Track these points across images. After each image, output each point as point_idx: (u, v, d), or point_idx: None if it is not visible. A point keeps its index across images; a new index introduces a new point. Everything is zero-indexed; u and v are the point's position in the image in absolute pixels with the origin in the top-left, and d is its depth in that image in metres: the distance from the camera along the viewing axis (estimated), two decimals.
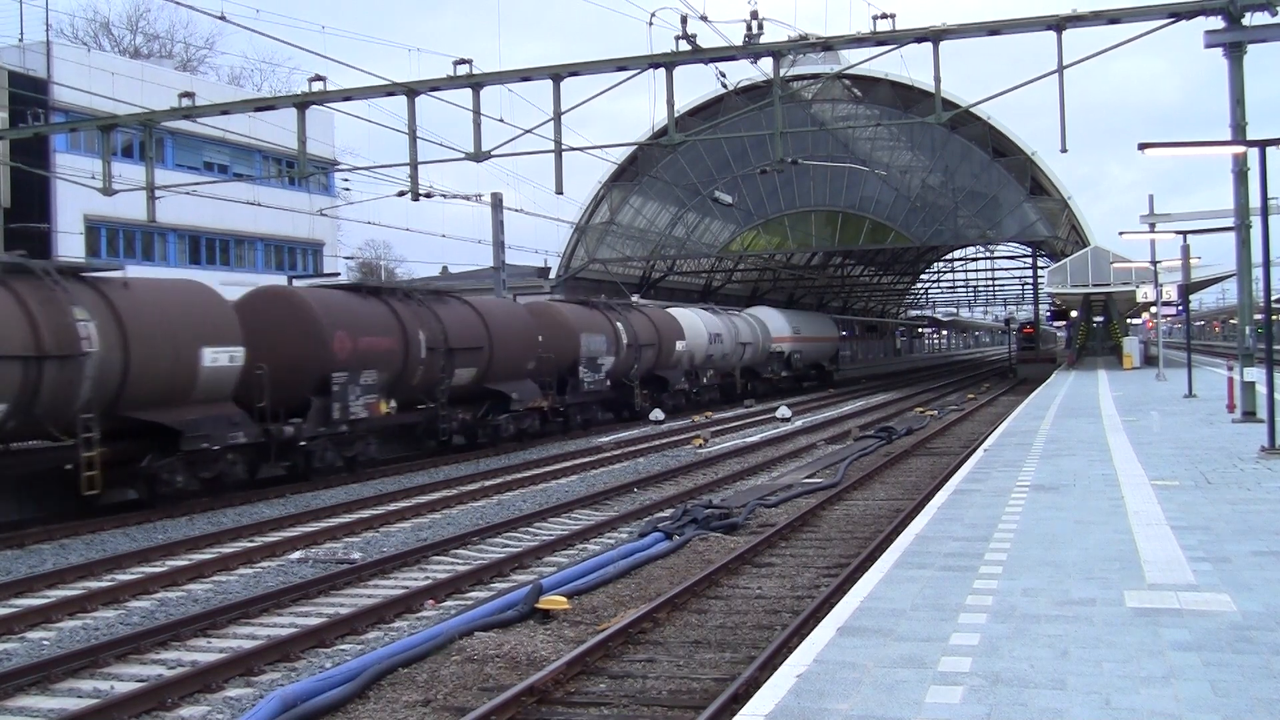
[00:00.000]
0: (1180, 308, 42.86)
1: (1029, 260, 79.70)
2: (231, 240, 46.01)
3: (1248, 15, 19.27)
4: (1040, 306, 77.43)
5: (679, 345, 38.20)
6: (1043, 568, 8.86)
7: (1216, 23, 19.55)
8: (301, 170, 26.90)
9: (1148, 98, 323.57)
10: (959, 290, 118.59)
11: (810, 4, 33.83)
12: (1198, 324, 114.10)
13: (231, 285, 27.61)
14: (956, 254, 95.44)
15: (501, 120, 23.61)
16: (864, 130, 54.28)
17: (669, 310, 40.79)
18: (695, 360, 40.00)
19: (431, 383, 24.68)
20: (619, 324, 34.02)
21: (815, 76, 46.72)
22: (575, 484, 21.26)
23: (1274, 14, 19.26)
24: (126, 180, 26.77)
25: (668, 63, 21.91)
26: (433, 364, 24.46)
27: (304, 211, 46.56)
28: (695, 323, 40.87)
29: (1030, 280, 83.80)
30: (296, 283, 29.95)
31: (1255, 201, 17.33)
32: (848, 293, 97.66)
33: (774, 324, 50.96)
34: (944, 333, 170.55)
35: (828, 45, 22.38)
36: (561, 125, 22.88)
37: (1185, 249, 29.28)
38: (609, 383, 32.95)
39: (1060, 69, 20.69)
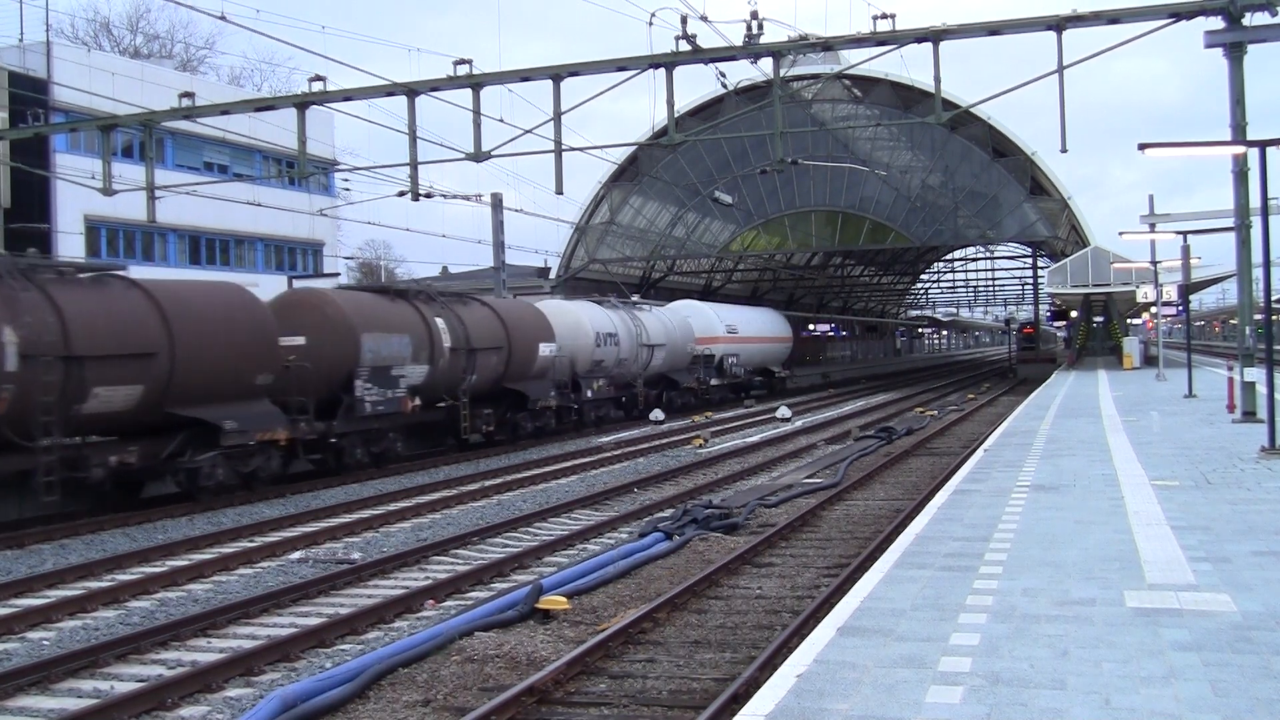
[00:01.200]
0: (1180, 308, 42.87)
1: (1029, 260, 79.74)
2: (231, 240, 46.00)
3: (1248, 15, 19.26)
4: (1040, 306, 77.46)
5: (544, 349, 29.32)
6: (1043, 568, 8.86)
7: (1216, 23, 19.55)
8: (301, 170, 26.91)
9: (1150, 98, 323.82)
10: (959, 290, 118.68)
11: (810, 4, 33.83)
12: (1198, 324, 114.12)
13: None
14: (956, 254, 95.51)
15: (501, 120, 23.62)
16: (864, 130, 54.28)
17: (537, 303, 33.69)
18: (578, 367, 32.04)
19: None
20: (437, 321, 25.09)
21: (815, 76, 46.76)
22: (575, 484, 21.26)
23: (1274, 14, 19.26)
24: (126, 180, 26.77)
25: (668, 63, 21.91)
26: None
27: (304, 211, 46.56)
28: (574, 320, 32.76)
29: (1030, 280, 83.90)
30: (297, 283, 30.03)
31: (1255, 201, 17.33)
32: (848, 293, 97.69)
33: (700, 320, 43.58)
34: (944, 333, 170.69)
35: (828, 45, 22.37)
36: (561, 125, 22.88)
37: (1185, 249, 29.28)
38: (417, 401, 24.26)
39: (1060, 69, 20.68)
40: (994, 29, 21.22)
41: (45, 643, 10.71)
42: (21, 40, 39.00)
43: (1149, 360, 49.56)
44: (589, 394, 32.46)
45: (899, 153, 57.15)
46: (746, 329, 47.40)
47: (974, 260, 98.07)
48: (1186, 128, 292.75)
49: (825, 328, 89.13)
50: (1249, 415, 20.24)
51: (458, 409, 25.84)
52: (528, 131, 23.13)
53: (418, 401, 24.27)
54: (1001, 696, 5.83)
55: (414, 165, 23.70)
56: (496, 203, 39.28)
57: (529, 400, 28.67)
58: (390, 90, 23.31)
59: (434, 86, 22.92)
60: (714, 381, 42.72)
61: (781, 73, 22.77)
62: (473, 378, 26.22)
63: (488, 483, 21.24)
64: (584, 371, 32.34)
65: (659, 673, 8.97)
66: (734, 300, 74.70)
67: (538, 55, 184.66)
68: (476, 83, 22.65)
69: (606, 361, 33.59)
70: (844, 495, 18.39)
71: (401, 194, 24.73)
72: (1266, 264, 18.06)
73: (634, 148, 48.85)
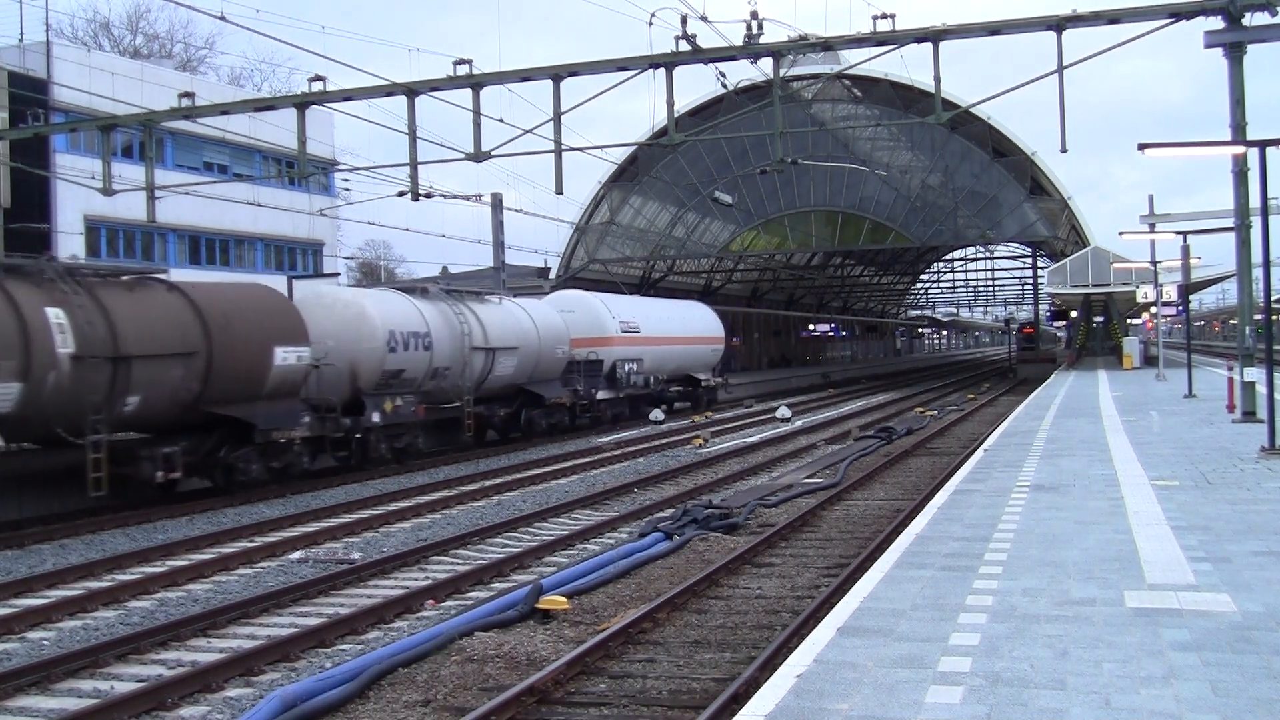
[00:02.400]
0: (1180, 308, 42.87)
1: (1029, 260, 79.79)
2: (231, 240, 45.99)
3: (1248, 15, 19.25)
4: (1040, 306, 77.48)
5: (283, 355, 20.49)
6: (1043, 568, 8.86)
7: (1216, 23, 19.54)
8: (301, 170, 26.89)
9: (1154, 98, 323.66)
10: (959, 290, 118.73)
11: (810, 4, 33.82)
12: (1198, 324, 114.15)
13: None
14: (956, 254, 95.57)
15: (501, 120, 23.61)
16: (864, 130, 54.29)
17: (309, 289, 26.65)
18: (362, 380, 23.13)
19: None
20: (50, 315, 16.69)
21: (815, 76, 46.77)
22: (575, 484, 21.26)
23: (1274, 14, 19.25)
24: (126, 180, 26.77)
25: (668, 63, 21.90)
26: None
27: (304, 211, 46.55)
28: (354, 313, 23.41)
29: (1030, 280, 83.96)
30: (297, 284, 30.03)
31: (1255, 201, 17.32)
32: (848, 293, 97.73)
33: (582, 316, 34.21)
34: (944, 333, 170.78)
35: (828, 45, 22.36)
36: (561, 125, 22.87)
37: (1185, 249, 29.28)
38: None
39: (1060, 69, 20.67)
40: (994, 29, 21.22)
41: (45, 643, 10.72)
42: (21, 40, 38.98)
43: (1149, 360, 49.57)
44: (376, 418, 23.26)
45: (899, 153, 57.16)
46: (654, 327, 37.85)
47: (974, 260, 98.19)
48: (1190, 128, 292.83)
49: (825, 328, 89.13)
50: (1249, 415, 20.24)
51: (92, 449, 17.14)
52: (528, 131, 23.12)
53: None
54: (1001, 696, 5.83)
55: (414, 165, 23.69)
56: (496, 203, 39.33)
57: (255, 432, 19.86)
58: (390, 90, 23.30)
59: (434, 86, 22.91)
60: (603, 394, 33.28)
61: (781, 73, 22.76)
62: (129, 402, 17.78)
63: (488, 483, 21.25)
64: (372, 386, 23.34)
65: (659, 673, 8.97)
66: (734, 301, 74.94)
67: (538, 56, 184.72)
68: (476, 83, 22.64)
69: (412, 372, 24.30)
70: (844, 495, 18.39)
71: (401, 194, 24.73)
72: (1266, 264, 18.07)
73: (634, 148, 48.84)
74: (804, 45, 22.09)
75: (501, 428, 29.65)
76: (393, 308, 24.58)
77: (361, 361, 23.17)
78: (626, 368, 34.92)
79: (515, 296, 33.53)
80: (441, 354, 25.41)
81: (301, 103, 24.07)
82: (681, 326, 40.78)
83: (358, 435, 23.11)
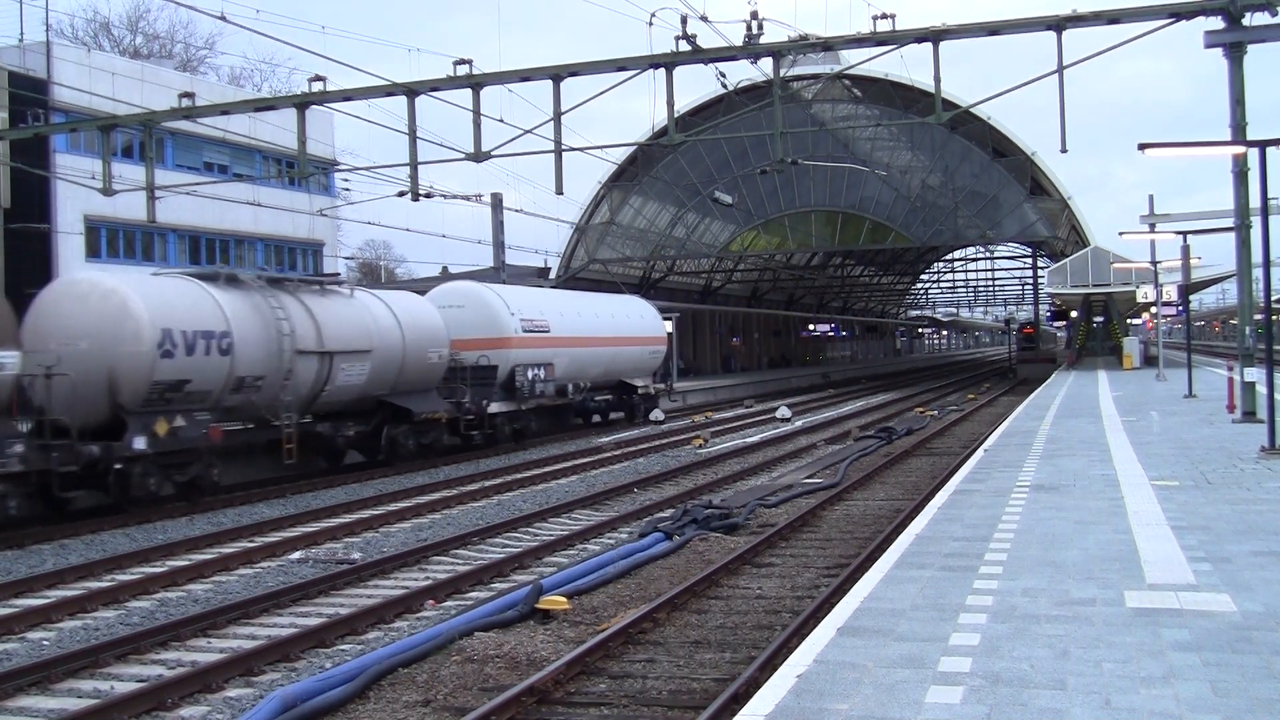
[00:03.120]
0: (1180, 308, 42.87)
1: (1029, 260, 79.84)
2: (231, 240, 45.96)
3: (1248, 15, 19.25)
4: (1040, 307, 77.48)
5: None
6: (1043, 568, 8.86)
7: (1217, 23, 19.53)
8: (301, 170, 26.88)
9: (1154, 98, 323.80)
10: (959, 291, 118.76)
11: (810, 4, 33.82)
12: (1198, 324, 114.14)
13: None
14: (956, 254, 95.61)
15: (501, 120, 23.60)
16: (864, 130, 54.29)
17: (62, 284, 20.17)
18: (123, 395, 18.21)
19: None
20: None
21: (815, 76, 46.75)
22: (575, 484, 21.27)
23: (1274, 14, 19.25)
24: (126, 180, 26.76)
25: (668, 63, 21.90)
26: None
27: (304, 212, 46.53)
28: (114, 305, 18.47)
29: (1030, 280, 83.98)
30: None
31: (1255, 201, 17.32)
32: (848, 293, 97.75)
33: (475, 312, 28.91)
34: (944, 333, 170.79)
35: (828, 45, 22.35)
36: (561, 125, 22.86)
37: (1185, 249, 29.28)
38: None
39: (1060, 69, 20.67)
40: (994, 29, 21.21)
41: (45, 643, 10.72)
42: (21, 40, 38.96)
43: (1149, 360, 49.57)
44: (140, 444, 18.10)
45: (899, 153, 57.16)
46: (571, 325, 31.95)
47: (974, 260, 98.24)
48: (1192, 128, 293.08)
49: (825, 328, 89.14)
50: (1249, 415, 20.24)
51: None
52: (528, 131, 23.11)
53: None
54: (1001, 696, 5.83)
55: (414, 165, 23.68)
56: (496, 203, 39.32)
57: None
58: (390, 90, 23.29)
59: (434, 86, 22.91)
60: (497, 407, 27.73)
61: (781, 73, 22.75)
62: None
63: (488, 483, 21.26)
64: (139, 401, 18.37)
65: (659, 673, 8.97)
66: (733, 301, 74.90)
67: (538, 56, 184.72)
68: (476, 83, 22.63)
69: (202, 383, 19.15)
70: (844, 495, 18.39)
71: (401, 194, 24.72)
72: (1266, 264, 18.07)
73: (634, 148, 48.83)
74: (804, 45, 22.08)
75: (334, 451, 24.09)
76: (171, 299, 19.27)
77: (121, 369, 18.09)
78: (530, 374, 28.92)
79: (390, 290, 30.19)
80: (249, 359, 20.09)
81: (301, 103, 24.07)
82: (610, 325, 34.54)
83: (118, 466, 17.82)
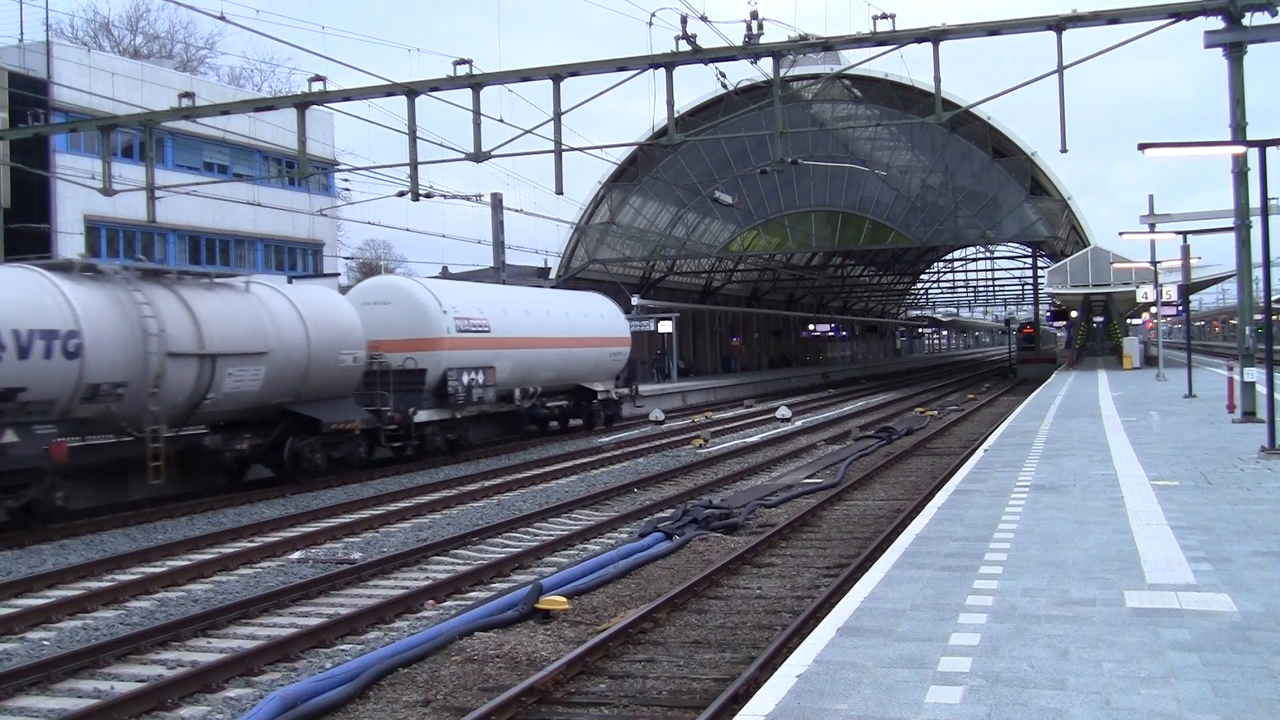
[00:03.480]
0: (1180, 308, 42.87)
1: (1029, 260, 79.80)
2: (231, 240, 45.97)
3: (1248, 15, 19.26)
4: (1040, 307, 77.46)
5: None
6: (1043, 568, 8.86)
7: (1217, 23, 19.54)
8: (301, 170, 26.89)
9: (1155, 98, 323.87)
10: (959, 291, 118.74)
11: (810, 4, 33.83)
12: (1198, 324, 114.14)
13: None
14: (956, 254, 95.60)
15: (501, 120, 23.61)
16: (864, 130, 54.27)
17: None
18: None
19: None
20: None
21: (815, 76, 46.73)
22: (575, 484, 21.27)
23: (1274, 14, 19.25)
24: (126, 180, 26.78)
25: (668, 63, 21.90)
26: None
27: (304, 212, 46.53)
28: None
29: (1030, 280, 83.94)
30: (296, 283, 29.89)
31: (1255, 201, 17.32)
32: (848, 293, 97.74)
33: (402, 310, 25.59)
34: (944, 333, 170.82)
35: (828, 45, 22.36)
36: (561, 125, 22.87)
37: (1185, 249, 29.28)
38: None
39: (1060, 69, 20.68)
40: (994, 29, 21.22)
41: (45, 643, 10.72)
42: (21, 40, 38.97)
43: (1149, 360, 49.56)
44: None
45: (899, 153, 57.15)
46: (517, 325, 28.65)
47: (974, 260, 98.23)
48: (1193, 128, 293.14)
49: (825, 328, 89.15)
50: (1249, 415, 20.24)
51: None
52: (528, 131, 23.12)
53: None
54: (1001, 696, 5.83)
55: (414, 165, 23.69)
56: (496, 203, 39.33)
57: None
58: (390, 90, 23.31)
59: (434, 86, 22.92)
60: (425, 415, 24.73)
61: (781, 73, 22.76)
62: None
63: (488, 483, 21.25)
64: None
65: (659, 673, 8.97)
66: (733, 301, 74.88)
67: (538, 56, 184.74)
68: (476, 83, 22.64)
69: (43, 390, 16.60)
70: (844, 495, 18.39)
71: (401, 194, 24.74)
72: (1266, 264, 18.06)
73: (634, 148, 48.82)
74: (804, 45, 22.08)
75: (272, 464, 21.93)
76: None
77: None
78: (467, 378, 25.67)
79: (306, 283, 27.87)
80: (105, 363, 17.38)
81: (301, 103, 24.08)
82: (563, 324, 31.08)
83: None
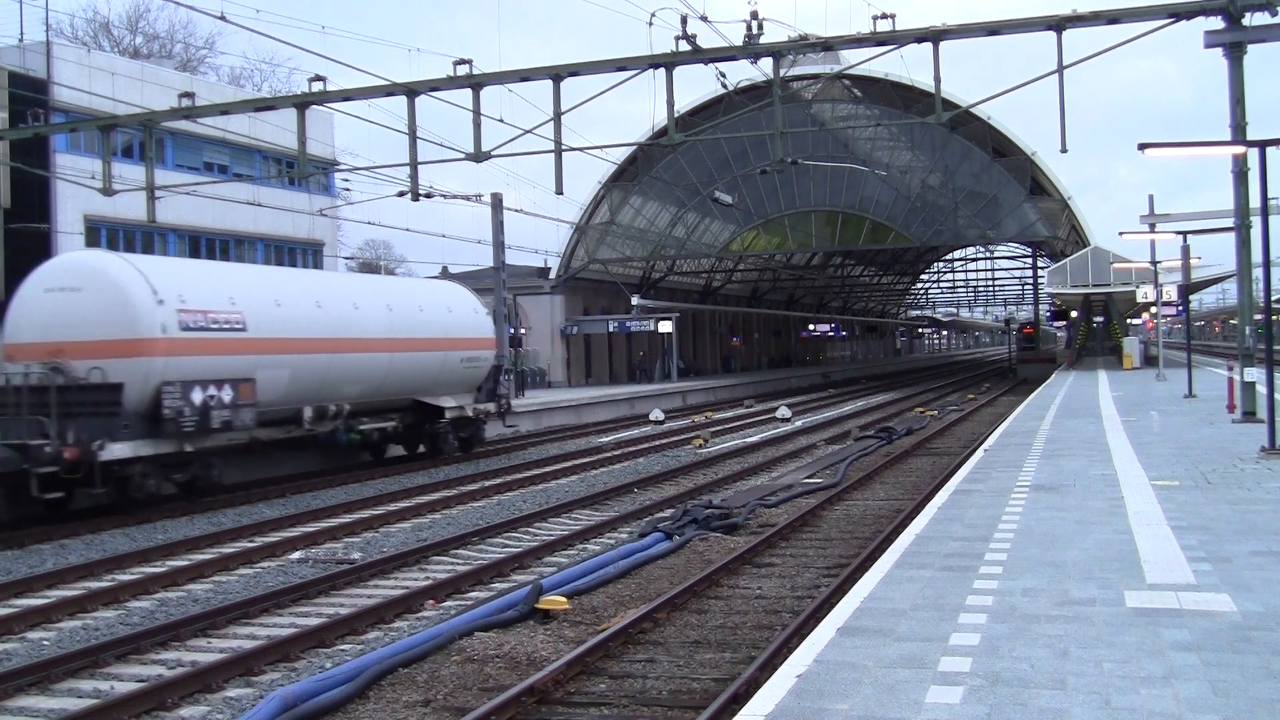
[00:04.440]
0: (1180, 308, 42.87)
1: (1029, 260, 79.80)
2: (231, 240, 45.95)
3: (1248, 15, 19.24)
4: (1040, 307, 77.47)
5: None
6: (1043, 568, 8.86)
7: (1216, 23, 19.53)
8: (301, 170, 26.86)
9: (1155, 98, 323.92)
10: (959, 290, 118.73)
11: (810, 4, 33.82)
12: (1198, 324, 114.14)
13: None
14: (956, 254, 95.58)
15: (501, 120, 23.60)
16: (864, 130, 54.25)
17: None
18: None
19: None
20: None
21: (815, 76, 46.73)
22: (575, 484, 21.27)
23: (1274, 14, 19.24)
24: (126, 180, 26.76)
25: (668, 63, 21.89)
26: None
27: (304, 212, 46.53)
28: None
29: (1030, 280, 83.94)
30: None
31: (1255, 201, 17.32)
32: (848, 293, 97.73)
33: (93, 299, 18.46)
34: (944, 333, 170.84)
35: (828, 45, 22.35)
36: (561, 125, 22.86)
37: (1185, 249, 29.28)
38: None
39: (1060, 69, 20.67)
40: (994, 29, 21.21)
41: (45, 643, 10.72)
42: (21, 40, 38.93)
43: (1149, 360, 49.57)
44: None
45: (899, 153, 57.15)
46: (300, 320, 21.52)
47: (974, 260, 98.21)
48: (1193, 128, 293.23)
49: (825, 328, 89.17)
50: (1249, 415, 20.24)
51: None
52: (528, 131, 23.11)
53: None
54: (1001, 696, 5.83)
55: (414, 165, 23.67)
56: (496, 203, 39.31)
57: None
58: (390, 90, 23.29)
59: (434, 86, 22.90)
60: (120, 450, 17.50)
61: (781, 73, 22.75)
62: None
63: (488, 483, 21.25)
64: None
65: (659, 673, 8.97)
66: (733, 301, 74.82)
67: (538, 56, 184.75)
68: (476, 83, 22.62)
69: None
70: (844, 495, 18.39)
71: (401, 194, 24.73)
72: (1266, 264, 18.06)
73: (634, 148, 48.80)
74: (804, 45, 22.07)
75: None
76: None
77: None
78: (200, 396, 18.53)
79: None
80: None
81: (301, 103, 24.06)
82: (381, 321, 23.65)
83: None
